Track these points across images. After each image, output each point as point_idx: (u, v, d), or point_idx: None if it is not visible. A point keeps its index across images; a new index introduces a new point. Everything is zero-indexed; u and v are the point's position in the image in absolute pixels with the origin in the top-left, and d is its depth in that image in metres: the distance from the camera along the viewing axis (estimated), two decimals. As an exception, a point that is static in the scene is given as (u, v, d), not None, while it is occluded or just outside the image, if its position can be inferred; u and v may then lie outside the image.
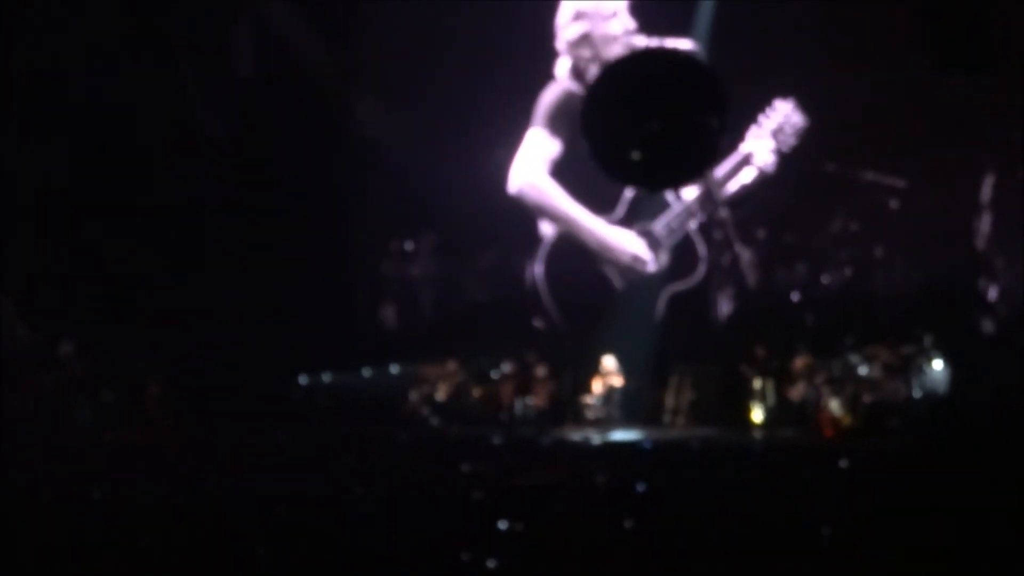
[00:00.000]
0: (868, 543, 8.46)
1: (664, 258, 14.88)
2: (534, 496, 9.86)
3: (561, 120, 14.49)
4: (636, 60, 13.10)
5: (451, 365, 16.13)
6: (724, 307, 15.84)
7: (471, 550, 8.49)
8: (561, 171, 14.69)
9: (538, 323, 15.02)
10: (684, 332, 15.53)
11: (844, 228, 15.19)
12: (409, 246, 17.00)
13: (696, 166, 13.15)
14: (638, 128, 12.38)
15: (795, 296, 15.26)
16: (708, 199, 14.71)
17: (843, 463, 10.28)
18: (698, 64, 13.29)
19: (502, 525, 9.01)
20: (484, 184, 15.48)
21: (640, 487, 9.81)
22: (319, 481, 10.64)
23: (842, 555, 8.30)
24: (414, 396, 15.80)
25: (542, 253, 14.79)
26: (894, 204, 15.04)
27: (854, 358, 13.54)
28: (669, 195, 14.77)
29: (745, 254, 15.40)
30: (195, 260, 16.04)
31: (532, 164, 14.46)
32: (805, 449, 11.99)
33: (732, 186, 14.76)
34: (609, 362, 15.15)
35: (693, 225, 14.90)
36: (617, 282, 14.97)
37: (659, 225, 14.87)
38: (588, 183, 14.90)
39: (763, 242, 15.55)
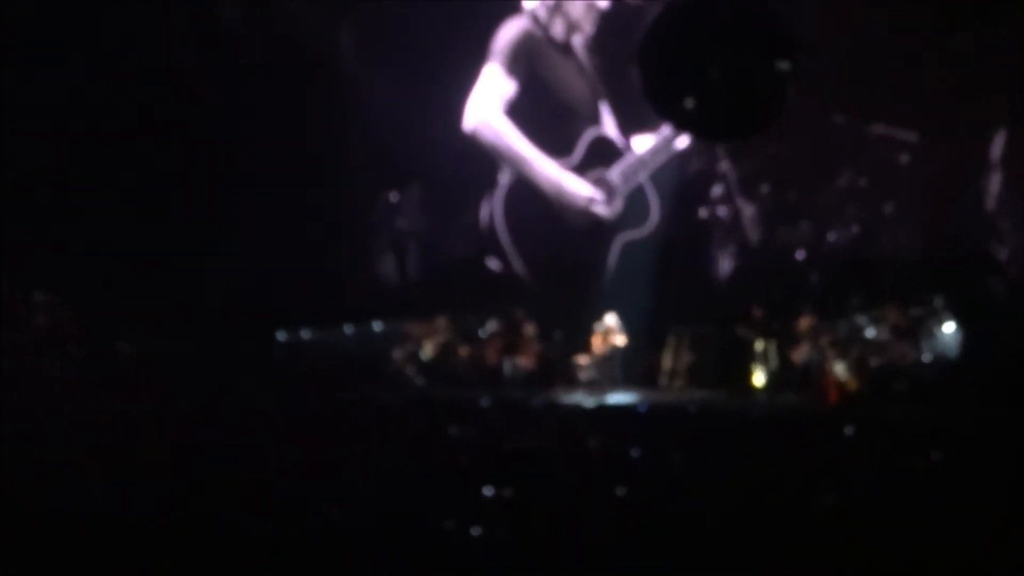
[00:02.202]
0: (873, 514, 8.36)
1: (619, 206, 15.05)
2: (522, 461, 9.76)
3: (519, 59, 14.72)
4: (700, 1, 13.01)
5: (437, 323, 16.02)
6: (724, 265, 15.74)
7: (455, 517, 8.39)
8: (517, 112, 14.87)
9: (494, 264, 15.20)
10: (682, 291, 15.49)
11: (852, 183, 14.97)
12: (394, 197, 16.84)
13: (761, 115, 13.07)
14: (695, 75, 12.35)
15: (799, 254, 15.08)
16: (661, 150, 14.88)
17: (848, 430, 10.22)
18: (767, 7, 13.17)
19: (488, 491, 8.91)
20: (473, 136, 15.49)
21: (634, 452, 9.76)
22: (299, 442, 10.53)
23: (845, 526, 8.20)
24: (398, 355, 15.69)
25: (500, 195, 14.93)
26: (904, 159, 14.87)
27: (861, 319, 13.47)
28: (623, 143, 15.02)
29: (747, 210, 15.31)
30: (171, 215, 15.85)
31: (487, 102, 14.70)
32: (808, 415, 11.95)
33: (686, 138, 14.92)
34: (610, 319, 15.09)
35: (646, 175, 15.12)
36: (573, 227, 15.13)
37: (615, 173, 14.98)
38: (544, 126, 15.07)
39: (766, 197, 15.38)
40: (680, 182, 15.80)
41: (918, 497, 8.51)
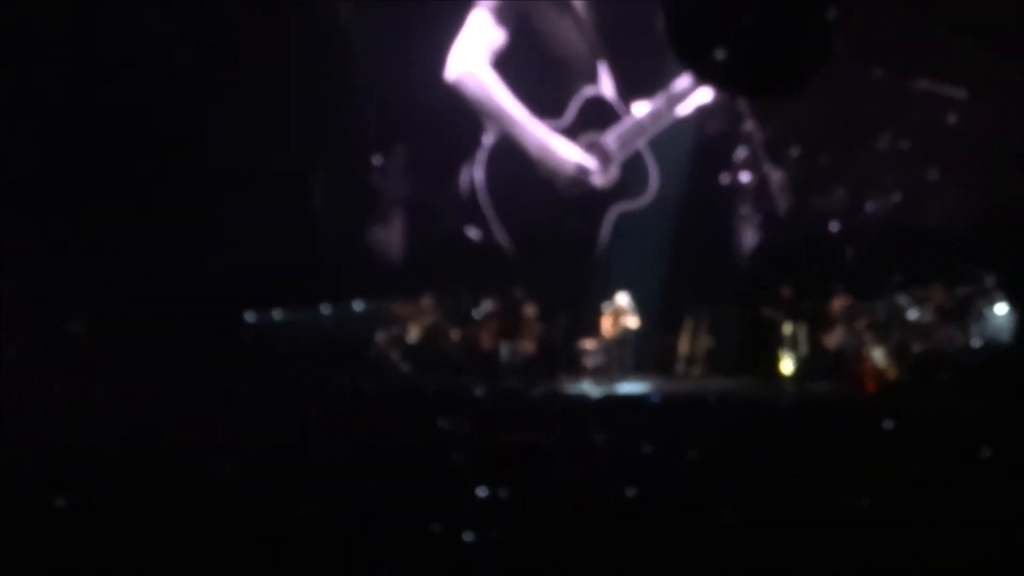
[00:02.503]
0: (914, 519, 8.32)
1: (614, 173, 15.03)
2: (520, 458, 9.74)
3: (510, 6, 14.67)
4: None
5: (425, 302, 15.96)
6: (749, 238, 15.68)
7: (444, 520, 8.36)
8: (505, 65, 14.90)
9: (474, 234, 15.18)
10: (700, 267, 15.44)
11: (892, 146, 14.96)
12: (377, 161, 16.75)
13: (801, 70, 12.95)
14: (728, 21, 12.22)
15: (833, 226, 15.03)
16: (663, 114, 14.86)
17: (887, 423, 10.19)
18: None
19: (482, 492, 8.89)
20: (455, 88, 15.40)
21: (646, 448, 9.74)
22: (269, 433, 10.54)
23: (882, 531, 8.16)
24: (382, 338, 15.66)
25: (481, 158, 14.89)
26: (952, 119, 14.79)
27: (902, 299, 13.43)
28: (621, 106, 14.97)
29: (775, 176, 15.24)
30: (126, 184, 15.79)
31: (473, 51, 14.70)
32: (842, 406, 11.92)
33: (692, 102, 14.87)
34: (622, 299, 15.06)
35: (644, 142, 15.08)
36: (562, 194, 15.10)
37: (610, 137, 14.95)
38: (534, 82, 15.07)
39: (796, 162, 15.31)
40: (699, 145, 15.74)
41: (966, 500, 8.45)
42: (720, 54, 12.25)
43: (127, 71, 15.67)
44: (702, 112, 15.20)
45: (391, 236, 17.02)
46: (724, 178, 15.44)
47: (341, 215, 16.84)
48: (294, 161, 16.32)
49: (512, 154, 14.69)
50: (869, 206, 15.02)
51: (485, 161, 14.67)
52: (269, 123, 16.00)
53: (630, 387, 13.47)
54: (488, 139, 14.79)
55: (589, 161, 14.48)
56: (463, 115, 15.23)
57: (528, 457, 9.77)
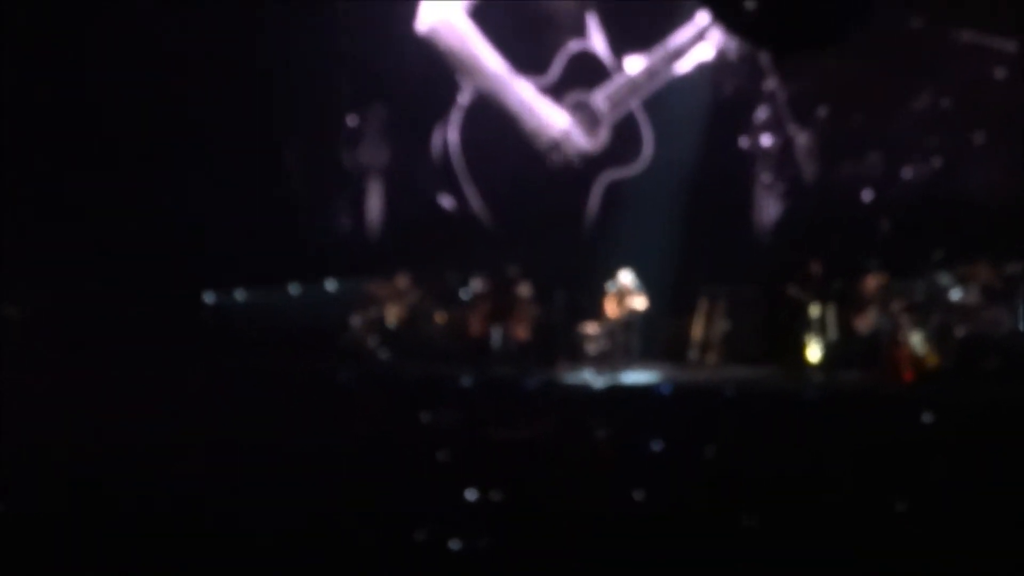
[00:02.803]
0: (958, 524, 8.28)
1: (603, 137, 15.04)
2: (514, 456, 9.71)
3: None
4: None
5: (406, 281, 15.93)
6: (771, 209, 15.64)
7: (428, 527, 8.31)
8: (483, 15, 15.10)
9: (447, 202, 15.17)
10: (717, 241, 15.41)
11: (933, 105, 15.00)
12: (352, 122, 16.65)
13: (840, 23, 12.87)
14: None
15: (866, 195, 15.15)
16: (659, 72, 14.83)
17: (926, 417, 10.23)
18: None
19: (470, 495, 8.84)
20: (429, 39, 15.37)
21: (655, 446, 9.71)
22: (231, 432, 10.48)
23: (921, 536, 8.12)
24: (358, 322, 15.64)
25: (456, 116, 14.89)
26: (999, 74, 14.79)
27: (943, 278, 13.43)
28: (612, 62, 14.93)
29: (801, 139, 15.22)
30: (74, 149, 15.73)
31: None
32: (876, 398, 11.97)
33: (689, 60, 14.84)
34: (625, 278, 15.01)
35: (638, 102, 15.03)
36: (545, 159, 15.10)
37: (599, 97, 14.97)
38: (514, 34, 15.09)
39: (824, 123, 15.38)
40: (714, 105, 15.69)
41: (1016, 504, 8.41)
42: (751, 4, 12.22)
43: (80, 40, 15.64)
44: (717, 68, 15.15)
45: (367, 207, 16.98)
46: (743, 142, 15.41)
47: (311, 184, 16.79)
48: (259, 125, 16.22)
49: (490, 114, 14.71)
50: (906, 173, 15.00)
51: (460, 121, 14.64)
52: (231, 84, 15.94)
53: (637, 376, 13.44)
54: (464, 97, 14.78)
55: (575, 125, 14.42)
56: (440, 72, 15.22)
57: (522, 455, 9.75)
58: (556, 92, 14.50)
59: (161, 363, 13.24)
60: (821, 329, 13.57)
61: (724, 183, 15.52)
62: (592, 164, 14.74)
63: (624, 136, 14.78)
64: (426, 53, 15.08)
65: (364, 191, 16.78)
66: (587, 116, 14.24)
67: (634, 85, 14.24)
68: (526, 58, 14.50)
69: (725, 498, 8.65)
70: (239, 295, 15.50)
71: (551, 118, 14.07)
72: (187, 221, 15.40)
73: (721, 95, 15.57)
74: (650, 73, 14.30)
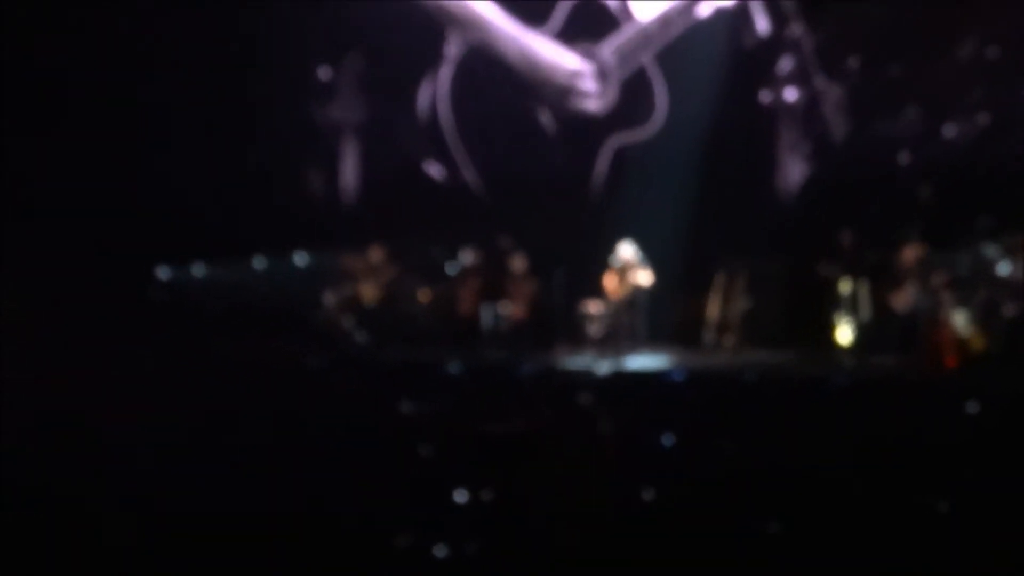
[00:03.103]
0: (1005, 524, 8.27)
1: (611, 94, 14.96)
2: (507, 452, 9.69)
3: None
4: None
5: (385, 254, 15.88)
6: (796, 172, 15.61)
7: (411, 531, 8.31)
8: None
9: (433, 166, 15.14)
10: (735, 209, 15.38)
11: (978, 54, 14.97)
12: (325, 75, 16.59)
13: None
14: None
15: (903, 156, 15.14)
16: (673, 20, 14.76)
17: (971, 406, 10.21)
18: None
19: (459, 496, 8.84)
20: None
21: (666, 440, 9.71)
22: (192, 423, 10.48)
23: (965, 541, 8.12)
24: (331, 300, 15.60)
25: (446, 71, 14.80)
26: (1055, 20, 14.79)
27: (989, 250, 13.40)
28: (620, 9, 14.86)
29: (829, 93, 15.18)
30: (20, 104, 15.71)
31: None
32: (915, 385, 11.94)
33: (707, 5, 14.79)
34: (627, 251, 14.97)
35: (650, 55, 14.95)
36: (548, 116, 15.03)
37: (607, 50, 14.87)
38: None
39: (856, 74, 15.36)
40: (731, 55, 15.63)
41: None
42: None
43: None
44: (735, 14, 15.10)
45: (342, 171, 16.93)
46: (764, 97, 15.36)
47: (278, 144, 16.70)
48: (217, 78, 16.14)
49: (484, 69, 14.61)
50: (948, 131, 14.97)
51: (450, 77, 14.54)
52: (187, 27, 15.87)
53: (645, 362, 13.43)
54: (453, 50, 14.69)
55: (582, 74, 14.33)
56: (424, 19, 15.14)
57: (517, 451, 9.73)
58: (561, 42, 14.36)
59: (103, 345, 13.17)
60: (852, 307, 13.58)
61: (743, 143, 15.49)
62: (599, 126, 14.63)
63: (634, 95, 14.68)
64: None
65: (338, 153, 16.70)
66: (595, 70, 14.10)
67: (646, 36, 14.14)
68: (524, 6, 14.36)
69: (745, 498, 8.65)
70: (197, 269, 15.44)
71: (558, 63, 13.93)
72: (137, 185, 15.32)
73: (739, 44, 15.51)
74: (664, 22, 14.18)
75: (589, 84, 14.11)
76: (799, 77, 14.62)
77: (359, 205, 16.67)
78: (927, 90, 15.01)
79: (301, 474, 9.39)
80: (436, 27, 14.48)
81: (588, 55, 14.17)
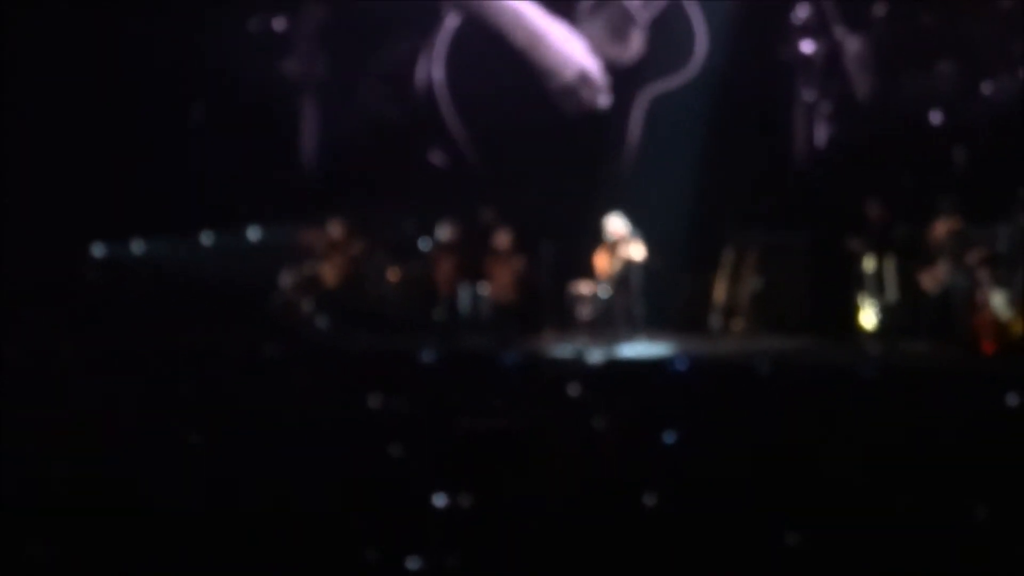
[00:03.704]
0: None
1: (638, 42, 14.89)
2: (490, 451, 9.69)
3: None
4: None
5: (349, 228, 15.85)
6: (815, 134, 15.61)
7: (382, 541, 8.32)
8: None
9: (437, 157, 15.10)
10: (744, 176, 15.37)
11: (1019, 2, 14.99)
12: (278, 25, 16.53)
13: None
14: None
15: (934, 117, 15.18)
16: None
17: (1011, 398, 10.22)
18: None
19: (438, 500, 8.85)
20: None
21: (669, 438, 9.71)
22: (132, 422, 10.48)
23: (1006, 548, 8.16)
24: (288, 281, 15.59)
25: (441, 47, 14.73)
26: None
27: (1034, 223, 13.54)
28: None
29: (852, 45, 15.17)
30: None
31: None
32: (949, 374, 11.91)
33: None
34: (617, 221, 14.96)
35: None
36: (552, 91, 14.97)
37: None
38: None
39: (882, 25, 15.37)
40: (742, 2, 15.61)
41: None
42: None
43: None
44: None
45: (300, 134, 16.90)
46: (779, 50, 15.36)
47: (225, 103, 16.66)
48: (157, 26, 16.11)
49: (483, 43, 14.52)
50: (986, 88, 14.99)
51: (444, 51, 14.47)
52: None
53: (643, 349, 13.44)
54: (451, 21, 14.57)
55: (593, 74, 14.20)
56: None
57: (500, 450, 9.74)
58: None
59: (30, 329, 13.18)
60: (879, 287, 13.60)
61: (755, 102, 15.49)
62: (627, 78, 14.51)
63: (666, 34, 14.52)
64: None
65: (295, 113, 16.67)
66: (615, 20, 13.94)
67: None
68: None
69: (757, 504, 8.66)
70: (136, 247, 15.42)
71: (570, 53, 13.79)
72: (70, 151, 15.29)
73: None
74: None
75: (599, 88, 13.98)
76: (817, 27, 14.67)
77: (319, 172, 16.63)
78: (961, 42, 15.03)
79: (257, 479, 9.39)
80: None
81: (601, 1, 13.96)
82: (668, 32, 14.63)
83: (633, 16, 13.88)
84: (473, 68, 14.57)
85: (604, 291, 14.86)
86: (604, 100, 14.20)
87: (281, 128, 16.60)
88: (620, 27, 14.05)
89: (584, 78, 13.75)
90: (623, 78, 14.64)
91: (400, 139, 15.94)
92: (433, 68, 14.22)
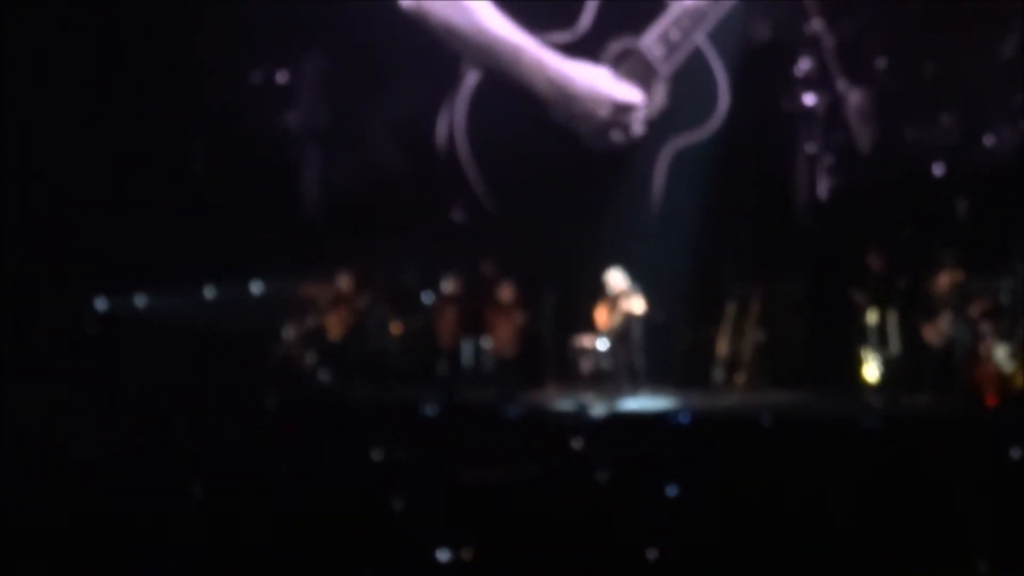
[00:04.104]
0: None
1: (660, 94, 14.82)
2: (492, 505, 9.67)
3: None
4: None
5: (352, 281, 15.86)
6: (817, 186, 15.59)
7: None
8: None
9: (458, 215, 15.04)
10: (747, 229, 15.36)
11: (1021, 52, 14.98)
12: (282, 78, 16.57)
13: None
14: None
15: (937, 168, 15.12)
16: None
17: (1015, 452, 10.17)
18: None
19: (441, 554, 8.82)
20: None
21: (671, 491, 9.68)
22: (133, 473, 10.44)
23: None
24: (290, 334, 15.57)
25: (463, 98, 14.66)
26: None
27: (1037, 275, 13.52)
28: None
29: (854, 97, 15.15)
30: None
31: None
32: (952, 427, 11.80)
33: None
34: (617, 275, 14.96)
35: (703, 34, 14.83)
36: (584, 134, 14.90)
37: (650, 39, 14.72)
38: None
39: (884, 76, 15.36)
40: (745, 54, 15.62)
41: None
42: None
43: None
44: (747, 9, 15.10)
45: (303, 187, 16.91)
46: (781, 101, 15.36)
47: (228, 157, 16.69)
48: (164, 78, 16.15)
49: (509, 88, 14.47)
50: (988, 140, 14.98)
51: (467, 103, 14.40)
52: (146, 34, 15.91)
53: (646, 402, 13.41)
54: (470, 76, 14.51)
55: (623, 86, 14.14)
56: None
57: (502, 503, 9.71)
58: (592, 45, 14.09)
59: (34, 383, 13.15)
60: (881, 340, 13.56)
61: (757, 153, 15.46)
62: (649, 131, 14.43)
63: (689, 87, 14.47)
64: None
65: (299, 165, 16.67)
66: (638, 67, 13.88)
67: (697, 15, 13.89)
68: (547, 6, 14.12)
69: (762, 558, 8.63)
70: (139, 300, 15.41)
71: (591, 84, 13.68)
72: (73, 206, 15.29)
73: (753, 42, 15.49)
74: None
75: (636, 117, 13.89)
76: (818, 79, 14.59)
77: (322, 226, 16.62)
78: (963, 94, 15.01)
79: (258, 532, 9.37)
80: (408, 25, 14.31)
81: (628, 50, 13.91)
82: (690, 84, 14.49)
83: (656, 68, 13.77)
84: (492, 121, 14.47)
85: (605, 344, 14.84)
86: (639, 128, 14.00)
87: (283, 179, 16.57)
88: (643, 79, 13.95)
89: (619, 109, 13.63)
90: (645, 131, 14.56)
91: (403, 191, 15.91)
92: (453, 121, 14.06)
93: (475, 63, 14.07)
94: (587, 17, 14.00)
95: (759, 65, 15.57)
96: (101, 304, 15.45)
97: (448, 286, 15.48)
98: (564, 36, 13.91)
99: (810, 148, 14.87)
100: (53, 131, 15.88)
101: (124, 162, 15.59)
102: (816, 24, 14.43)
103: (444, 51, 14.42)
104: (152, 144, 15.94)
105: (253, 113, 16.42)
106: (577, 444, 11.13)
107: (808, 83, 14.86)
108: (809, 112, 14.72)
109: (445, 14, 13.73)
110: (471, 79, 14.10)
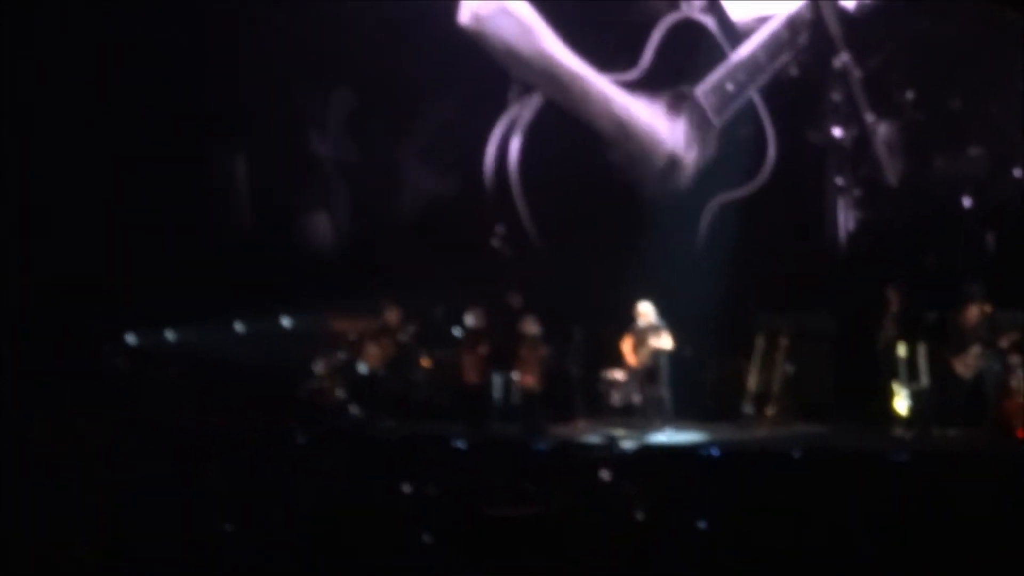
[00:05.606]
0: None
1: (711, 144, 14.81)
2: (522, 538, 9.67)
3: None
4: None
5: (384, 315, 15.87)
6: (844, 220, 15.58)
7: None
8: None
9: (500, 243, 15.02)
10: (775, 263, 15.34)
11: None
12: (311, 110, 16.59)
13: None
14: None
15: (966, 201, 15.12)
16: (786, 43, 14.66)
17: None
18: None
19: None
20: (433, 12, 15.28)
21: (701, 524, 9.67)
22: (164, 506, 10.48)
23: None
24: (321, 368, 15.57)
25: (521, 128, 14.67)
26: None
27: (1065, 307, 13.48)
28: (721, 32, 14.73)
29: (881, 130, 15.15)
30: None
31: None
32: (982, 460, 11.88)
33: (834, 25, 14.72)
34: (646, 310, 14.94)
35: (757, 87, 14.83)
36: (635, 179, 14.89)
37: (704, 88, 14.71)
38: (591, 15, 14.75)
39: (911, 108, 15.35)
40: (773, 87, 15.63)
41: None
42: None
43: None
44: (774, 43, 15.13)
45: (331, 219, 16.94)
46: (810, 135, 15.36)
47: (260, 192, 16.75)
48: (195, 116, 16.22)
49: (565, 123, 14.47)
50: (1016, 172, 14.96)
51: (524, 136, 14.36)
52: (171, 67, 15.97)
53: (676, 435, 13.38)
54: (527, 108, 14.51)
55: (677, 132, 14.12)
56: (421, 44, 15.02)
57: (531, 537, 9.71)
58: (648, 88, 14.19)
59: (64, 417, 13.17)
60: (911, 373, 13.50)
61: (786, 187, 15.44)
62: (697, 182, 14.41)
63: (740, 140, 14.44)
64: (415, 20, 14.83)
65: (328, 200, 16.72)
66: (691, 115, 13.85)
67: (756, 67, 13.87)
68: (608, 46, 14.12)
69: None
70: (170, 335, 15.44)
71: (645, 123, 13.65)
72: (104, 243, 15.36)
73: (780, 76, 15.51)
74: (774, 45, 13.96)
75: (690, 168, 13.86)
76: (847, 112, 14.58)
77: (351, 260, 16.65)
78: (991, 127, 15.00)
79: (288, 565, 9.39)
80: (437, 53, 14.25)
81: (682, 94, 13.83)
82: (739, 137, 14.50)
83: (710, 118, 13.72)
84: (548, 153, 14.45)
85: (633, 379, 14.83)
86: (689, 179, 13.98)
87: (314, 215, 16.63)
88: (697, 128, 13.90)
89: (674, 162, 13.58)
90: (694, 182, 14.55)
91: (437, 223, 15.92)
92: (507, 150, 14.00)
93: (535, 89, 14.06)
94: (646, 58, 13.89)
95: (788, 101, 15.59)
96: (131, 339, 15.47)
97: (477, 320, 15.47)
98: (620, 78, 13.78)
99: (838, 182, 14.84)
100: (87, 169, 15.99)
101: (159, 195, 15.65)
102: (843, 59, 14.38)
103: (485, 80, 14.37)
104: (185, 181, 16.03)
105: (286, 146, 16.48)
106: (606, 477, 11.13)
107: (836, 117, 14.85)
108: (838, 146, 14.71)
109: (508, 36, 13.72)
110: (528, 110, 13.92)
